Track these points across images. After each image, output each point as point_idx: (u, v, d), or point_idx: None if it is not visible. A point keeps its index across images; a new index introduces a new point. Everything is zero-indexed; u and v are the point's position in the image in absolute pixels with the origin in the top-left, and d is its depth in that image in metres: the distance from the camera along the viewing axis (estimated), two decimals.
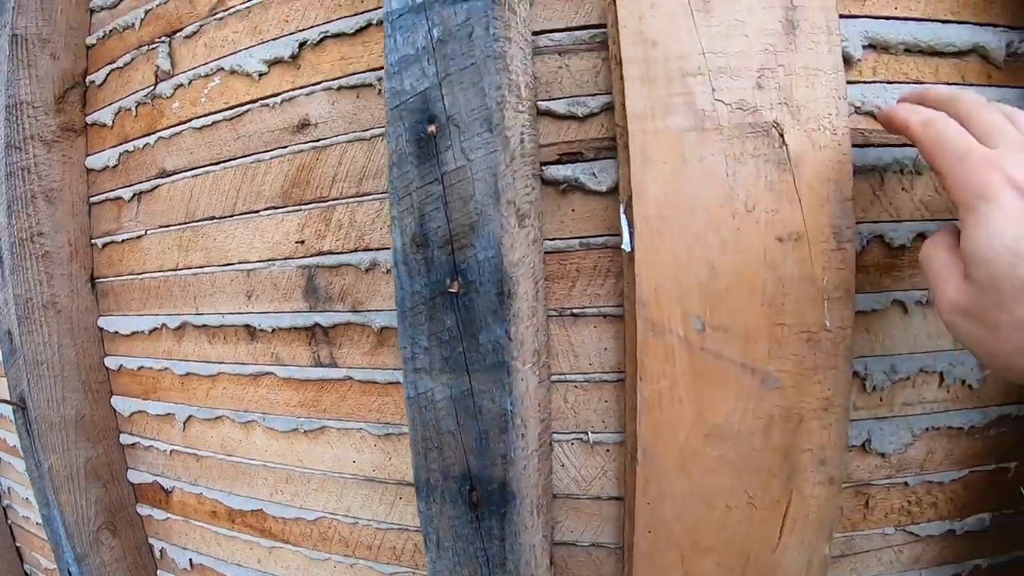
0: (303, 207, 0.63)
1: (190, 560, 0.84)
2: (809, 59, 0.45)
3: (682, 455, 0.49)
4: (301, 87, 0.62)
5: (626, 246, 0.47)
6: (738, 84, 0.45)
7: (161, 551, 0.88)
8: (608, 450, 0.54)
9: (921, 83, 0.50)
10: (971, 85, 0.50)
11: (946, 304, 0.34)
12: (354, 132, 0.59)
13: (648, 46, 0.46)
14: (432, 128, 0.40)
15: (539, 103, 0.51)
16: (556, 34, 0.51)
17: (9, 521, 1.20)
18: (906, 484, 0.54)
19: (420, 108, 0.40)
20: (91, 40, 0.83)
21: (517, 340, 0.43)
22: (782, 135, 0.45)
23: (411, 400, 0.46)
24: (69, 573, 0.81)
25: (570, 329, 0.52)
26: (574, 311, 0.52)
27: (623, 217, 0.47)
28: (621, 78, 0.47)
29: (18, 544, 1.21)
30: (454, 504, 0.45)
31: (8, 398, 0.82)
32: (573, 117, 0.51)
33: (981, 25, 0.49)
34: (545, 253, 0.51)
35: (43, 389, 0.79)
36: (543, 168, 0.51)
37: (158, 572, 0.89)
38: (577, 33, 0.51)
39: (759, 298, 0.46)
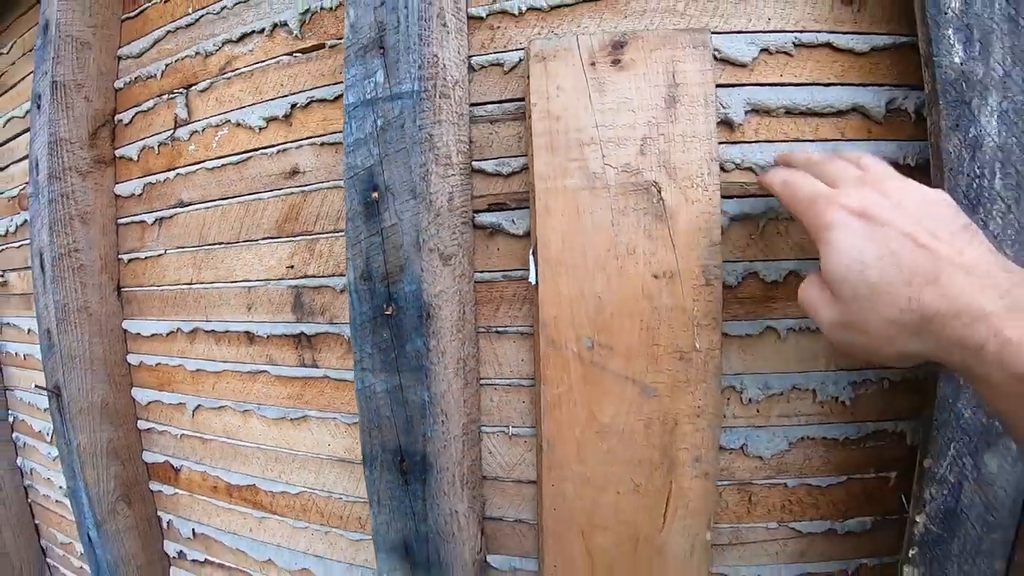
0: (293, 238, 0.77)
1: (192, 530, 0.98)
2: (686, 128, 0.56)
3: (579, 447, 0.62)
4: (292, 141, 0.76)
5: (532, 279, 0.60)
6: (624, 151, 0.57)
7: (168, 522, 1.02)
8: (526, 441, 0.67)
9: (801, 141, 0.59)
10: (851, 140, 0.57)
11: (826, 325, 0.39)
12: (333, 180, 0.73)
13: (553, 120, 0.59)
14: (375, 195, 0.53)
15: (474, 162, 0.64)
16: (489, 106, 0.64)
17: (29, 499, 1.35)
18: (786, 485, 0.62)
19: (367, 179, 0.54)
20: (119, 84, 0.98)
21: (437, 350, 0.56)
22: (660, 192, 0.57)
23: (359, 392, 0.60)
24: (89, 537, 0.95)
25: (495, 343, 0.66)
26: (498, 329, 0.65)
27: (531, 257, 0.60)
28: (531, 145, 0.60)
29: (36, 521, 1.36)
30: (390, 472, 0.59)
31: (46, 386, 0.97)
32: (499, 175, 0.64)
33: (864, 86, 0.56)
34: (476, 282, 0.65)
35: (75, 379, 0.94)
36: (476, 215, 0.64)
37: (164, 541, 1.03)
38: (505, 105, 0.64)
39: (638, 324, 0.59)
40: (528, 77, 0.60)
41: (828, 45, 0.57)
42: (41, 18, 0.93)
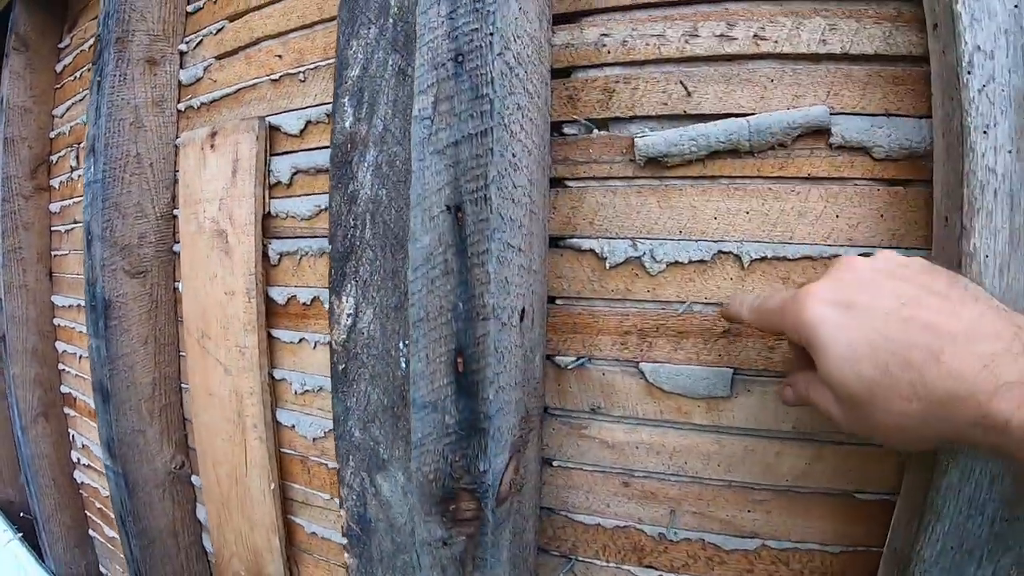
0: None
1: (82, 444, 1.44)
2: (242, 191, 0.85)
3: (204, 403, 0.95)
4: None
5: (180, 288, 0.94)
6: (212, 207, 0.89)
7: (72, 437, 1.49)
8: (188, 393, 1.01)
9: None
10: None
11: (844, 427, 0.36)
12: None
13: (185, 186, 0.93)
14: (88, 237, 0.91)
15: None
16: (177, 174, 0.99)
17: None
18: (327, 466, 0.83)
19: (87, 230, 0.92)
20: (52, 134, 1.45)
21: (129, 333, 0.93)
22: (226, 237, 0.88)
23: None
24: (17, 437, 1.44)
25: (178, 328, 1.01)
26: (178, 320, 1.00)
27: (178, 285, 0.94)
28: (179, 200, 0.93)
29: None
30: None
31: None
32: (176, 218, 0.98)
33: None
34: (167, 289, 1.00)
35: (13, 331, 1.43)
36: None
37: (71, 450, 1.51)
38: (177, 174, 0.98)
39: (220, 324, 0.90)
40: (177, 156, 0.94)
41: None
42: (1, 94, 1.41)
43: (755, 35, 0.54)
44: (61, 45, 1.47)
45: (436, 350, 0.49)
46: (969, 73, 0.42)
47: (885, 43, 0.51)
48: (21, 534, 1.53)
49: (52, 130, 1.46)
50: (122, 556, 1.14)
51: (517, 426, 0.53)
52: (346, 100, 0.59)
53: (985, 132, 0.42)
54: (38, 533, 1.50)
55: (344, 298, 0.60)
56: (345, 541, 0.66)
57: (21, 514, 1.57)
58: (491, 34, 0.46)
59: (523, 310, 0.52)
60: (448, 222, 0.47)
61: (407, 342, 0.54)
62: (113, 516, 1.10)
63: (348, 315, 0.60)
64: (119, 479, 1.02)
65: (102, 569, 1.53)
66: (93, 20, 1.26)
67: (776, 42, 0.53)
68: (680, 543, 0.60)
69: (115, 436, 0.98)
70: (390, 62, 0.56)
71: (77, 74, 1.36)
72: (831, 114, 0.52)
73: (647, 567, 0.61)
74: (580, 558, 0.64)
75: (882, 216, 0.52)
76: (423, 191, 0.48)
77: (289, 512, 0.92)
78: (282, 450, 0.91)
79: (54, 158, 1.45)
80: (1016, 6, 0.42)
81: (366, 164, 0.57)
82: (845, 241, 0.52)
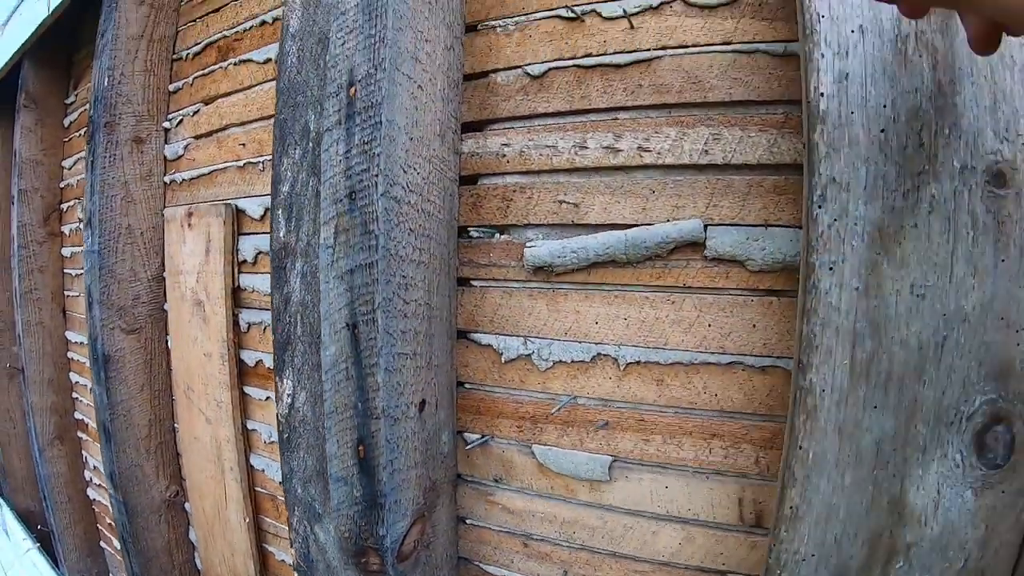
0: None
1: (94, 465, 1.59)
2: (214, 267, 0.98)
3: (191, 445, 1.08)
4: None
5: (169, 344, 1.07)
6: (191, 279, 1.02)
7: (85, 459, 1.65)
8: (180, 434, 1.14)
9: None
10: None
11: None
12: None
13: (170, 258, 1.05)
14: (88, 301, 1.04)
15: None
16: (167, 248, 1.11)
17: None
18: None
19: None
20: (62, 184, 1.59)
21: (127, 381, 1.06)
22: (203, 307, 1.00)
23: None
24: (35, 458, 1.60)
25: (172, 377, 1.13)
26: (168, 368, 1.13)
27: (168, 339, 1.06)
28: (167, 270, 1.06)
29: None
30: None
31: (17, 366, 1.63)
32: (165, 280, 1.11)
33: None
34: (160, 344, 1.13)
35: (33, 364, 1.58)
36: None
37: (84, 470, 1.66)
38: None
39: (201, 381, 1.03)
40: (164, 231, 1.06)
41: None
42: (13, 148, 1.56)
43: (639, 147, 0.60)
44: (67, 101, 1.60)
45: (344, 437, 0.60)
46: (820, 208, 0.46)
47: (768, 151, 0.55)
48: (39, 544, 1.69)
49: (62, 180, 1.60)
50: None
51: (420, 496, 0.64)
52: (280, 212, 0.70)
53: (831, 269, 0.46)
54: (54, 543, 1.66)
55: (284, 380, 0.71)
56: (295, 572, 0.77)
57: (39, 527, 1.73)
58: (376, 175, 0.56)
59: (422, 402, 0.62)
60: (347, 337, 0.57)
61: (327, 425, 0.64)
62: None
63: (288, 394, 0.71)
64: (120, 506, 1.15)
65: None
66: None
67: (659, 153, 0.59)
68: None
69: (116, 470, 1.11)
70: (311, 183, 0.66)
71: (82, 131, 1.49)
72: (708, 226, 0.57)
73: None
74: None
75: (754, 326, 0.57)
76: (328, 309, 0.59)
77: (263, 541, 1.04)
78: (256, 489, 1.03)
79: (64, 206, 1.59)
80: (883, 131, 0.44)
81: (296, 271, 0.68)
82: (716, 349, 0.58)
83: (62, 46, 1.54)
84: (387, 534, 0.59)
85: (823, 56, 0.46)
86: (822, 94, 0.46)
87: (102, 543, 1.67)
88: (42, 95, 1.57)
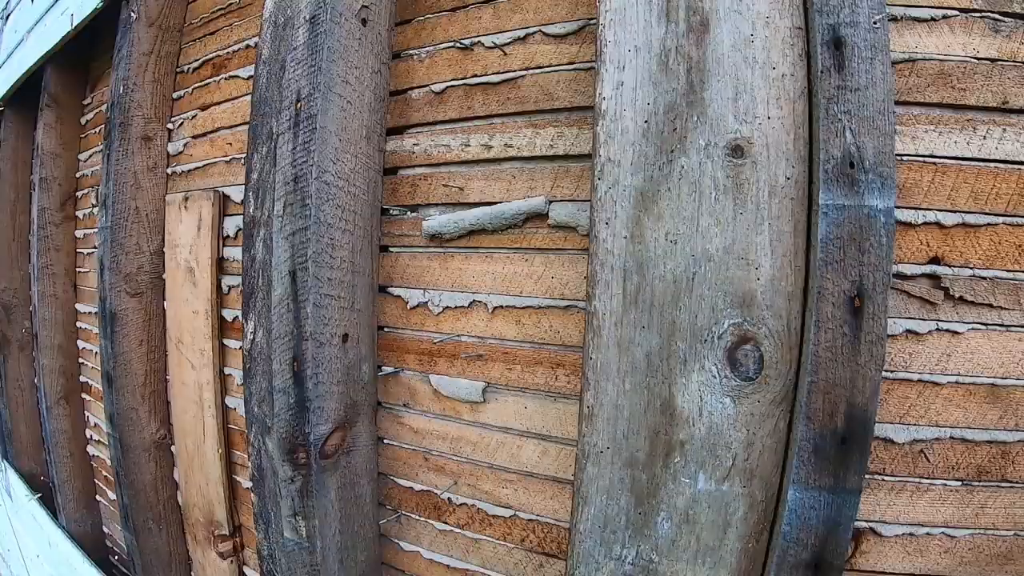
0: None
1: (94, 423, 1.80)
2: (204, 241, 1.21)
3: (178, 390, 1.29)
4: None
5: (166, 307, 1.28)
6: (185, 251, 1.24)
7: (87, 418, 1.86)
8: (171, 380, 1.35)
9: None
10: None
11: None
12: None
13: (169, 233, 1.27)
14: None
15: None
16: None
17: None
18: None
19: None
20: (78, 175, 1.82)
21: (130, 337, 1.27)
22: (194, 272, 1.22)
23: None
24: (42, 415, 1.81)
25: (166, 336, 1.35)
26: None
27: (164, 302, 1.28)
28: (165, 245, 1.28)
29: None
30: None
31: (31, 331, 1.84)
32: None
33: None
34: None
35: (45, 330, 1.80)
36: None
37: (86, 429, 1.87)
38: None
39: (189, 334, 1.24)
40: (166, 209, 1.28)
41: None
42: (35, 142, 1.79)
43: (506, 143, 0.82)
44: (85, 102, 1.84)
45: (284, 356, 0.81)
46: (599, 179, 0.67)
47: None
48: (40, 495, 1.90)
49: (78, 171, 1.83)
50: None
51: (341, 410, 0.85)
52: (251, 194, 0.92)
53: (607, 223, 0.67)
54: (54, 496, 1.87)
55: (249, 322, 0.93)
56: (251, 484, 0.98)
57: (42, 477, 1.94)
58: (312, 165, 0.78)
59: (345, 335, 0.84)
60: (288, 281, 0.79)
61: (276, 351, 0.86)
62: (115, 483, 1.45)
63: (251, 332, 0.92)
64: (116, 443, 1.36)
65: (105, 528, 1.89)
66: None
67: (519, 148, 0.81)
68: (461, 506, 0.89)
69: (116, 411, 1.32)
70: (272, 172, 0.89)
71: (97, 129, 1.73)
72: (551, 201, 0.79)
73: (443, 523, 0.91)
74: (404, 512, 0.95)
75: (585, 277, 0.80)
76: (277, 261, 0.80)
77: (233, 473, 1.24)
78: (228, 426, 1.24)
79: (79, 194, 1.82)
80: (646, 121, 0.64)
81: (260, 238, 0.90)
82: (558, 296, 0.80)
83: (81, 55, 1.78)
84: (311, 432, 0.80)
85: (607, 71, 0.67)
86: (604, 98, 0.67)
87: (98, 496, 1.88)
88: (62, 96, 1.81)
